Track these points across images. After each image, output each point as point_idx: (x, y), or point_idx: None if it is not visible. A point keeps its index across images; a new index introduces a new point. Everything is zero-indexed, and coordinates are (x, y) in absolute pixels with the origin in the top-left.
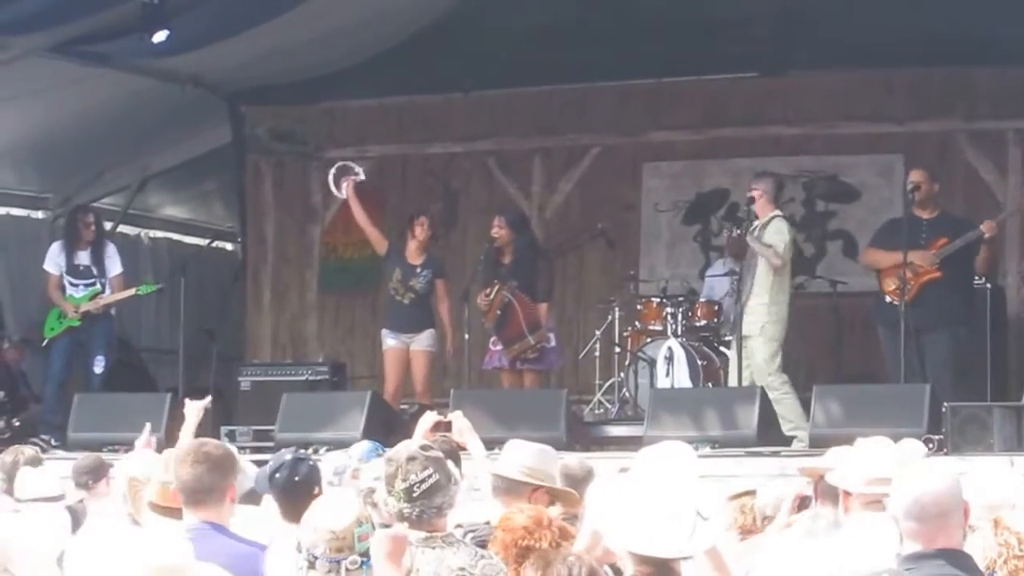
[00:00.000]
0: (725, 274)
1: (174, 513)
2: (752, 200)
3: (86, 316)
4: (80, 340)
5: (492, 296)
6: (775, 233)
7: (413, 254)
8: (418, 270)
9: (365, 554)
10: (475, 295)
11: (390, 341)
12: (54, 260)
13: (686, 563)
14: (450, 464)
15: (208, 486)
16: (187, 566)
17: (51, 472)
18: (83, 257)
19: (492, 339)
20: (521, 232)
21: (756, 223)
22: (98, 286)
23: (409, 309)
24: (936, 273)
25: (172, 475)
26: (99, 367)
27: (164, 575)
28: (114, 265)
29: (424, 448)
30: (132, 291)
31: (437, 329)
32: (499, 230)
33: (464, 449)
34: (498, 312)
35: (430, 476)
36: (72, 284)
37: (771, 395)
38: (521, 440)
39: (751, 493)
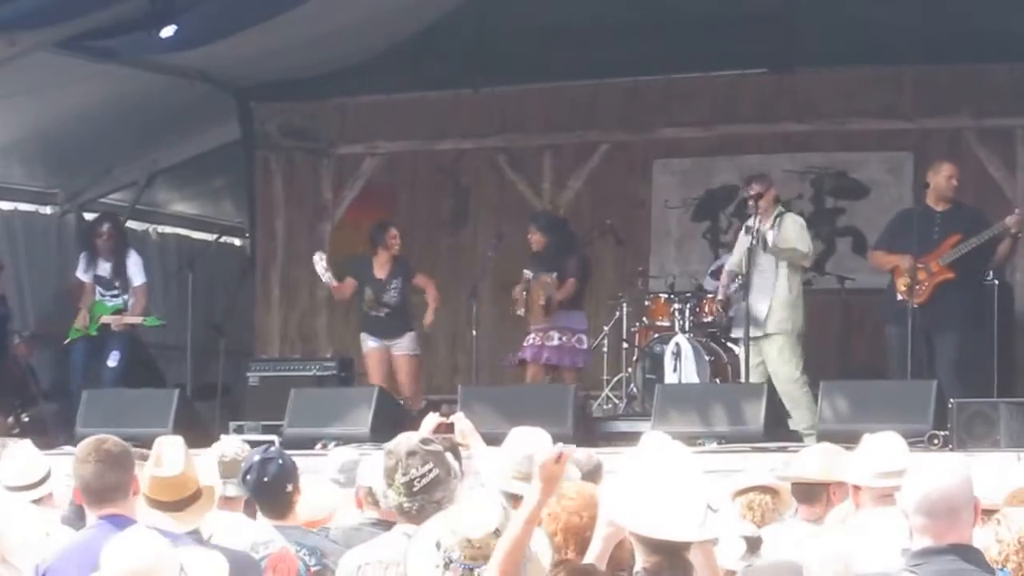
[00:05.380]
0: None
1: (165, 507)
2: (760, 197)
3: (104, 327)
4: (97, 342)
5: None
6: (795, 231)
7: (382, 267)
8: (388, 285)
9: None
10: (483, 292)
11: (370, 343)
12: (83, 270)
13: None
14: (450, 458)
15: (112, 483)
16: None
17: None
18: (104, 268)
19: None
20: (552, 232)
21: (758, 220)
22: (121, 301)
23: (386, 321)
24: (950, 274)
25: (74, 475)
26: (113, 361)
27: None
28: (137, 276)
29: (424, 442)
30: (140, 319)
31: (419, 330)
32: (533, 236)
33: (467, 447)
34: (524, 294)
35: (431, 471)
36: (101, 293)
37: (795, 393)
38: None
39: (757, 489)
